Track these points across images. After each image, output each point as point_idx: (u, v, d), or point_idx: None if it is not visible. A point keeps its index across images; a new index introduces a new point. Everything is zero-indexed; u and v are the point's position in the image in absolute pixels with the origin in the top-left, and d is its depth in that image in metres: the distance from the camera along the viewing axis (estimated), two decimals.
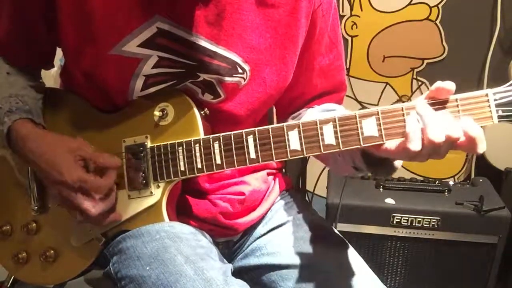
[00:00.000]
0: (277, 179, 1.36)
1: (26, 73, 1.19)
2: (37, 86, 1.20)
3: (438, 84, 0.87)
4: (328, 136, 0.94)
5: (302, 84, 1.25)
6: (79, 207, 1.05)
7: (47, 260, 1.17)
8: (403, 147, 0.88)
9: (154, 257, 1.01)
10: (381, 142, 0.90)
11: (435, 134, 0.84)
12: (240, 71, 1.11)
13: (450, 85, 0.86)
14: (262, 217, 1.30)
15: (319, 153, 0.95)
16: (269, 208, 1.31)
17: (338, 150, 0.93)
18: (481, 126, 0.86)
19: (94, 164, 1.07)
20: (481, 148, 0.85)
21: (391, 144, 0.91)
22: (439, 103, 0.88)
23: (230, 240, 1.27)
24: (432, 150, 0.87)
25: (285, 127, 0.97)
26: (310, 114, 1.27)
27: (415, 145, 0.86)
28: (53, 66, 1.28)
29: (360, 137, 0.92)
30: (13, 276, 1.35)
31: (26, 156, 1.09)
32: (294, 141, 0.96)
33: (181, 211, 1.16)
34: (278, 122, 1.34)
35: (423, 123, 0.86)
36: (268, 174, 1.33)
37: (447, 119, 0.86)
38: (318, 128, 0.94)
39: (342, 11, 2.40)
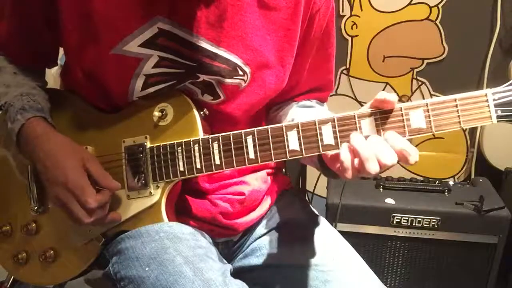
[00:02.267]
0: (276, 179, 1.36)
1: (32, 74, 1.20)
2: (43, 87, 1.21)
3: (383, 96, 0.89)
4: (327, 136, 0.94)
5: (291, 83, 1.25)
6: (73, 212, 1.05)
7: (46, 260, 1.17)
8: (339, 171, 0.93)
9: (153, 257, 1.01)
10: None
11: (371, 167, 0.87)
12: (240, 73, 1.11)
13: (393, 98, 0.89)
14: (262, 217, 1.29)
15: (318, 153, 0.96)
16: (269, 208, 1.31)
17: (337, 150, 0.94)
18: (481, 126, 0.87)
19: (96, 181, 1.07)
20: (412, 159, 0.87)
21: (332, 165, 0.97)
22: (437, 103, 0.89)
23: (229, 240, 1.27)
24: (371, 175, 0.90)
25: (284, 128, 0.97)
26: (289, 108, 1.29)
27: (348, 174, 0.91)
28: (56, 65, 1.28)
29: None
30: (13, 277, 1.36)
31: (34, 154, 1.09)
32: (293, 141, 0.96)
33: (180, 211, 1.16)
34: None
35: (359, 157, 0.88)
36: (268, 174, 1.33)
37: (378, 147, 0.88)
38: (317, 128, 0.95)
39: (342, 11, 2.40)
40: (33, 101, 1.13)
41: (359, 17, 2.40)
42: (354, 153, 0.89)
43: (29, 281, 1.23)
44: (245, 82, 1.13)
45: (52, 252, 1.18)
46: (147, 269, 1.00)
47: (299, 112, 1.26)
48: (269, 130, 0.98)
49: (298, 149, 0.96)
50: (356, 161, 0.89)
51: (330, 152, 0.96)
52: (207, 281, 0.96)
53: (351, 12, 2.40)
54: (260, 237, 1.27)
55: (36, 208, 1.18)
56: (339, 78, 2.51)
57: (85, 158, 1.08)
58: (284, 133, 0.97)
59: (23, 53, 1.19)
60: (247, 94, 1.15)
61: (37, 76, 1.21)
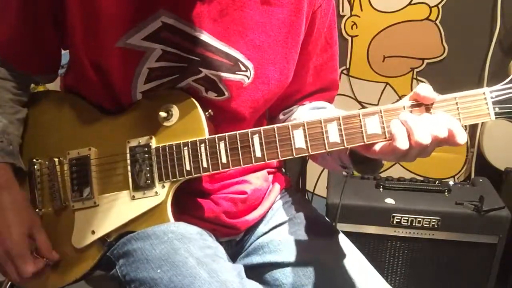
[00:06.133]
0: (277, 178, 1.37)
1: (18, 95, 1.19)
2: (21, 117, 1.20)
3: (423, 92, 0.90)
4: (333, 134, 0.96)
5: (297, 82, 1.26)
6: (7, 274, 1.10)
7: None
8: (391, 148, 0.90)
9: (165, 259, 1.01)
10: (384, 139, 0.93)
11: (421, 136, 0.87)
12: (243, 68, 1.12)
13: (433, 95, 0.90)
14: (264, 215, 1.30)
15: (324, 150, 0.97)
16: (270, 207, 1.31)
17: (342, 147, 0.95)
18: (481, 126, 0.89)
19: (38, 249, 1.12)
20: (461, 139, 0.88)
21: (379, 145, 0.94)
22: (437, 102, 0.91)
23: (232, 240, 1.28)
24: (420, 151, 0.90)
25: (290, 126, 0.98)
26: (302, 111, 1.29)
27: (402, 144, 0.89)
28: (56, 77, 1.27)
29: (364, 134, 0.94)
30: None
31: None
32: (299, 139, 0.98)
33: (183, 211, 1.16)
34: (269, 118, 1.37)
35: (408, 127, 0.89)
36: (269, 173, 1.34)
37: (429, 119, 0.89)
38: (323, 126, 0.96)
39: (342, 11, 2.40)
40: (6, 141, 1.13)
41: (359, 17, 2.40)
42: (405, 125, 0.90)
43: (29, 285, 1.20)
44: (248, 78, 1.13)
45: None
46: (159, 271, 1.00)
47: (313, 114, 1.26)
48: (275, 129, 0.99)
49: (304, 147, 0.98)
50: (407, 132, 0.89)
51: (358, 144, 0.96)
52: (224, 282, 0.97)
53: (351, 12, 2.40)
54: (262, 235, 1.27)
55: (37, 211, 1.17)
56: (339, 78, 2.50)
57: (34, 225, 1.12)
58: (290, 132, 0.98)
59: (24, 55, 1.18)
60: (251, 91, 1.15)
61: (24, 93, 1.20)
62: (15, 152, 1.15)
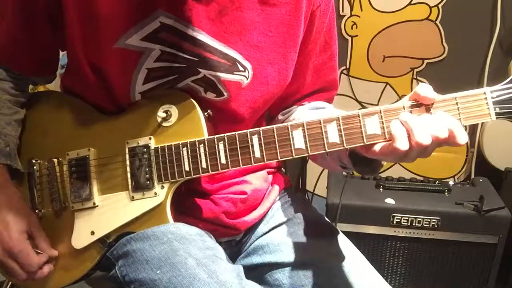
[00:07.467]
0: (277, 178, 1.37)
1: (15, 96, 1.19)
2: (19, 118, 1.20)
3: (423, 92, 0.90)
4: (332, 134, 0.95)
5: (296, 82, 1.25)
6: (11, 272, 1.10)
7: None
8: (391, 148, 0.90)
9: (164, 260, 1.01)
10: (384, 139, 0.93)
11: (421, 136, 0.87)
12: (241, 68, 1.12)
13: (433, 95, 0.90)
14: (263, 216, 1.30)
15: (324, 151, 0.96)
16: (270, 207, 1.31)
17: (342, 148, 0.95)
18: (481, 126, 0.89)
19: (37, 245, 1.13)
20: (462, 139, 0.88)
21: (379, 146, 0.94)
22: (438, 102, 0.91)
23: (232, 240, 1.27)
24: (420, 151, 0.89)
25: (289, 127, 0.98)
26: (301, 111, 1.29)
27: (402, 144, 0.88)
28: (54, 78, 1.27)
29: (364, 135, 0.94)
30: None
31: None
32: (298, 140, 0.97)
33: (183, 212, 1.16)
34: (268, 118, 1.37)
35: (408, 128, 0.89)
36: (268, 173, 1.34)
37: (429, 120, 0.88)
38: (322, 127, 0.96)
39: (342, 11, 2.40)
40: (3, 142, 1.13)
41: (359, 17, 2.40)
42: (405, 125, 0.90)
43: (29, 286, 1.20)
44: (247, 78, 1.13)
45: None
46: (158, 272, 1.00)
47: (312, 114, 1.26)
48: (275, 129, 0.99)
49: (304, 148, 0.97)
50: (407, 133, 0.89)
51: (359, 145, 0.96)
52: (223, 283, 0.97)
53: (351, 12, 2.40)
54: (262, 235, 1.27)
55: (36, 212, 1.17)
56: (339, 78, 2.51)
57: (31, 224, 1.13)
58: (290, 132, 0.98)
59: (22, 57, 1.18)
60: (250, 91, 1.15)
61: (21, 94, 1.20)
62: (12, 154, 1.15)
